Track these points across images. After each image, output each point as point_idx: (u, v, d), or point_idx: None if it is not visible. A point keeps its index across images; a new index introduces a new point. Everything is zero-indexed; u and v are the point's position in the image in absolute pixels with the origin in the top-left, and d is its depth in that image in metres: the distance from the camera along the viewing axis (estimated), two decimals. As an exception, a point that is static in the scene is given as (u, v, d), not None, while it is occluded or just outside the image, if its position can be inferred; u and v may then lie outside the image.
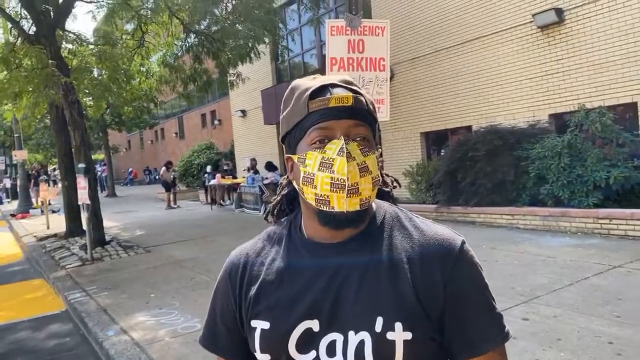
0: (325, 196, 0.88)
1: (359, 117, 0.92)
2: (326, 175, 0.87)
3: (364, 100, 0.93)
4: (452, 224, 8.74)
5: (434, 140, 11.86)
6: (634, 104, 7.85)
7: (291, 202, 1.08)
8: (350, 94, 0.91)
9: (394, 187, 1.11)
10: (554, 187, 7.59)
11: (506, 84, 9.76)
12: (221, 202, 16.56)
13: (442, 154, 10.82)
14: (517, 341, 3.52)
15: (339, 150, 0.87)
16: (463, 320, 0.90)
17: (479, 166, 8.47)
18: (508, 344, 0.94)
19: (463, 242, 0.93)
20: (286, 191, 1.08)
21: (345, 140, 0.88)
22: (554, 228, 7.55)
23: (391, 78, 11.87)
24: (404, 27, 11.81)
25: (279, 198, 1.09)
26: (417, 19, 11.56)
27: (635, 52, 7.75)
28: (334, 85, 0.93)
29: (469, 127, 10.45)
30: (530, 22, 9.13)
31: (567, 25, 8.63)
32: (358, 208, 0.89)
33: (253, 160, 15.77)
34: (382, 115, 5.40)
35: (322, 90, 0.92)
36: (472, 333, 0.90)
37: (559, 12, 8.62)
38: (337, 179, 0.87)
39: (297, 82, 0.97)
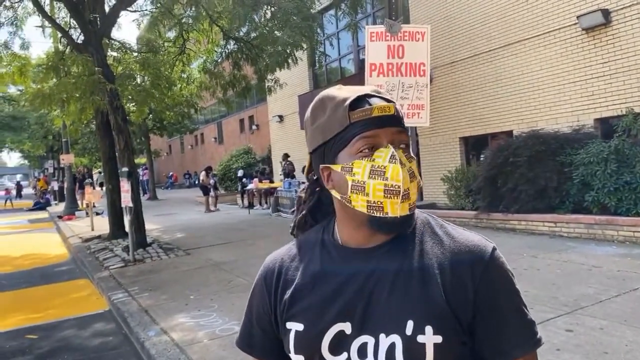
0: (379, 202, 0.90)
1: (400, 125, 0.95)
2: (379, 182, 0.89)
3: (399, 109, 0.97)
4: (491, 231, 8.56)
5: (473, 145, 11.65)
6: (687, 108, 7.51)
7: (314, 214, 1.10)
8: (391, 103, 0.94)
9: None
10: (599, 194, 7.33)
11: (549, 88, 9.50)
12: (259, 205, 16.76)
13: (481, 159, 10.61)
14: (560, 353, 3.41)
15: (391, 158, 0.90)
16: (493, 325, 0.91)
17: (520, 172, 8.25)
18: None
19: (494, 249, 0.95)
20: (311, 204, 1.10)
21: (394, 148, 0.91)
22: (600, 236, 7.28)
23: (430, 82, 11.76)
24: (443, 31, 11.67)
25: (305, 212, 1.11)
26: (456, 22, 11.41)
27: (687, 53, 7.42)
28: (369, 96, 0.95)
29: (509, 132, 10.22)
30: (575, 24, 8.86)
31: (614, 26, 8.34)
32: (408, 212, 0.92)
33: (289, 165, 15.88)
34: (422, 120, 5.36)
35: (361, 101, 0.94)
36: (502, 339, 0.91)
37: (606, 13, 8.33)
38: (392, 185, 0.89)
39: (326, 93, 0.98)
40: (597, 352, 3.43)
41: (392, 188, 0.89)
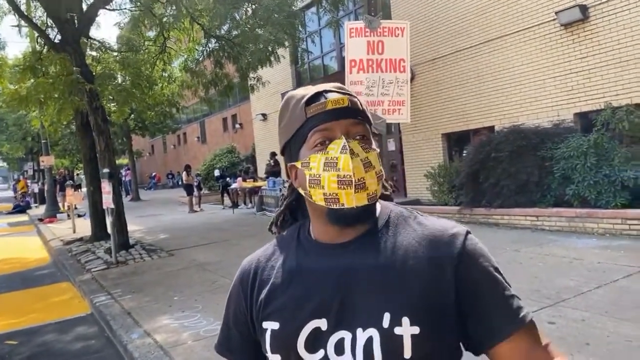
0: (334, 194, 0.90)
1: (356, 117, 0.95)
2: (332, 174, 0.90)
3: (358, 102, 0.97)
4: (474, 226, 8.62)
5: (456, 141, 11.74)
6: (663, 102, 7.64)
7: (294, 212, 1.11)
8: (345, 96, 0.95)
9: (394, 191, 1.15)
10: (579, 188, 7.43)
11: (529, 83, 9.60)
12: (243, 204, 16.68)
13: (464, 155, 10.69)
14: (543, 345, 3.44)
15: (342, 148, 0.90)
16: (479, 308, 0.90)
17: (502, 167, 8.34)
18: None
19: (468, 232, 0.95)
20: (289, 201, 1.11)
21: (346, 139, 0.91)
22: (580, 229, 7.39)
23: (412, 79, 11.79)
24: (424, 28, 11.72)
25: (282, 208, 1.12)
26: (437, 19, 11.47)
27: (663, 48, 7.55)
28: (327, 91, 0.96)
29: (491, 128, 10.31)
30: (553, 19, 8.97)
31: (592, 22, 8.46)
32: (366, 202, 0.91)
33: (274, 166, 15.83)
34: (403, 117, 5.38)
35: (317, 96, 0.95)
36: (490, 320, 0.90)
37: (584, 9, 8.44)
38: (344, 175, 0.89)
39: (290, 93, 1.01)
40: (579, 344, 3.48)
41: (344, 178, 0.89)
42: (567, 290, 4.66)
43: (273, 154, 16.33)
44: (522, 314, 0.91)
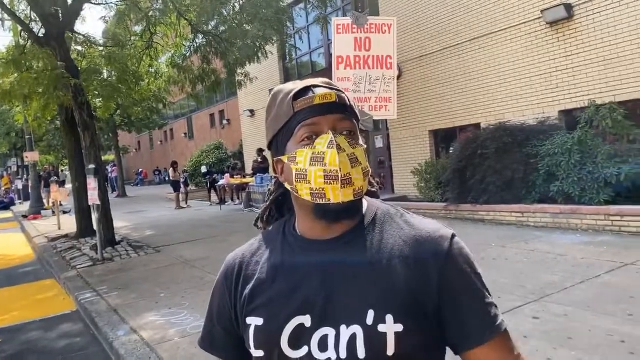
0: (321, 189, 0.90)
1: (344, 112, 0.95)
2: (319, 169, 0.90)
3: (346, 97, 0.96)
4: (460, 222, 8.70)
5: (443, 138, 11.81)
6: (646, 100, 7.76)
7: (280, 207, 1.11)
8: (333, 91, 0.94)
9: (380, 188, 1.15)
10: (564, 184, 7.52)
11: (515, 81, 9.69)
12: (231, 201, 16.63)
13: (450, 152, 10.77)
14: (528, 340, 3.50)
15: (329, 143, 0.90)
16: (458, 313, 0.91)
17: (488, 164, 8.41)
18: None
19: (453, 235, 0.95)
20: (275, 196, 1.10)
21: (333, 134, 0.91)
22: (565, 225, 7.48)
23: (399, 76, 11.83)
24: (412, 25, 11.76)
25: (268, 203, 1.11)
26: (424, 16, 11.51)
27: (646, 47, 7.66)
28: (315, 86, 0.96)
29: (477, 125, 10.39)
30: (539, 18, 9.05)
31: (577, 20, 8.55)
32: (352, 198, 0.91)
33: (261, 162, 15.81)
34: (390, 113, 5.40)
35: (305, 91, 0.95)
36: (467, 325, 0.91)
37: (568, 7, 8.53)
38: (330, 170, 0.89)
39: (278, 88, 1.01)
40: (562, 338, 3.53)
41: (330, 173, 0.89)
42: (551, 286, 4.72)
43: (260, 151, 16.32)
44: (497, 322, 0.92)
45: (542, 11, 8.91)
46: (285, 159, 0.96)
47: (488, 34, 10.09)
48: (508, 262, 5.81)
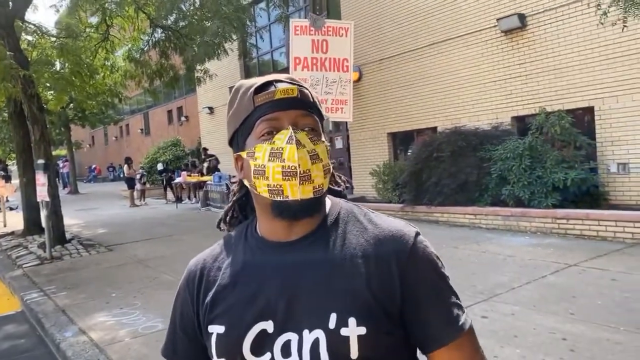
0: (278, 186, 0.88)
1: (306, 108, 0.93)
2: (277, 164, 0.87)
3: (309, 93, 0.94)
4: (416, 223, 8.71)
5: (401, 140, 12.00)
6: (591, 108, 8.13)
7: (243, 208, 1.07)
8: (295, 86, 0.92)
9: (346, 187, 1.11)
10: (515, 188, 7.79)
11: (471, 87, 9.96)
12: (188, 199, 16.35)
13: (408, 154, 10.96)
14: (476, 338, 3.60)
15: (288, 139, 0.87)
16: (422, 313, 0.89)
17: (443, 167, 8.62)
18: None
19: (417, 234, 0.93)
20: (238, 197, 1.07)
21: (293, 130, 0.88)
22: (515, 228, 7.75)
23: (359, 79, 11.97)
24: (373, 28, 11.90)
25: (230, 204, 1.08)
26: (385, 19, 11.67)
27: (592, 58, 8.03)
28: (278, 81, 0.93)
29: (434, 128, 10.61)
30: (495, 26, 9.33)
31: (530, 30, 8.87)
32: (312, 196, 0.89)
33: (214, 160, 15.70)
34: (345, 115, 5.46)
35: (267, 85, 0.93)
36: (430, 326, 0.89)
37: (522, 17, 8.84)
38: (288, 166, 0.86)
39: (240, 82, 0.98)
40: (508, 337, 3.66)
41: (288, 169, 0.86)
42: (500, 286, 4.89)
43: (205, 150, 16.33)
44: (460, 322, 0.90)
45: (497, 20, 9.19)
46: (244, 154, 0.93)
47: (446, 40, 10.33)
48: (461, 262, 5.97)
